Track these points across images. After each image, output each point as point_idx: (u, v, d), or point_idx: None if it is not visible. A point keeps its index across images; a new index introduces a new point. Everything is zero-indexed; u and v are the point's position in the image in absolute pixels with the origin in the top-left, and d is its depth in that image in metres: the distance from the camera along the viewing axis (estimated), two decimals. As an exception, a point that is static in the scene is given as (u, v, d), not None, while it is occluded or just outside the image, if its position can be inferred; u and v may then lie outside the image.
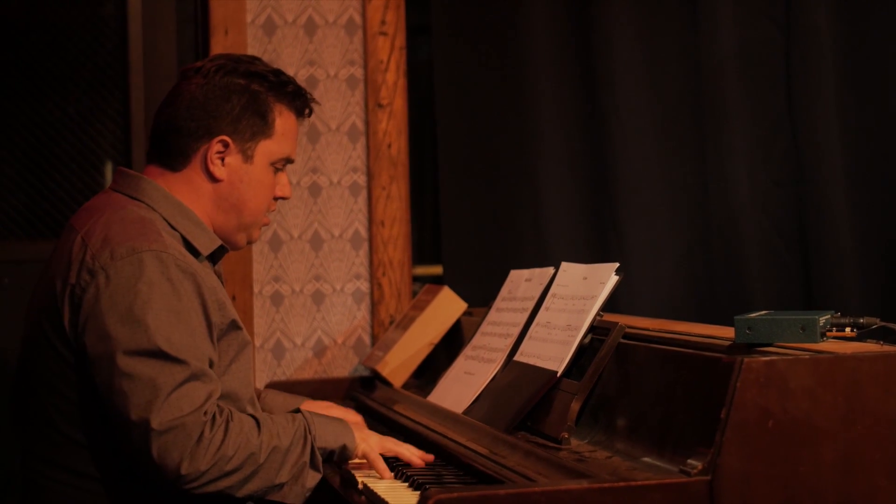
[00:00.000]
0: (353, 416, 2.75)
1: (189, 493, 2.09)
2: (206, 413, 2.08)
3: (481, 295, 3.44)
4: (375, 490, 2.28)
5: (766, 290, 3.69)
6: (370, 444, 2.39)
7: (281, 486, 2.19)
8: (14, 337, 2.40)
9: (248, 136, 2.36)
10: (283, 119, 2.40)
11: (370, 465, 2.38)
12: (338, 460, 2.37)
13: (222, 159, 2.36)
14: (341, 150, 3.66)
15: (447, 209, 3.76)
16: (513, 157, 3.74)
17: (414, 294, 3.67)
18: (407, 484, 2.35)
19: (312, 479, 2.24)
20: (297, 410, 2.32)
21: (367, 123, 3.67)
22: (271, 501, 2.37)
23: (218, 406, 2.13)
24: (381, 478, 2.37)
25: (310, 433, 2.25)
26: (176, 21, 3.67)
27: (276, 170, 2.43)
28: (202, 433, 2.07)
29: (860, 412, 1.92)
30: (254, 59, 2.41)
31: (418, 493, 2.26)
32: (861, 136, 3.75)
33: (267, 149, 2.39)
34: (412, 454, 2.42)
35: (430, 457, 2.45)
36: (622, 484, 1.85)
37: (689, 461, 1.90)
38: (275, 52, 3.59)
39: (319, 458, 2.26)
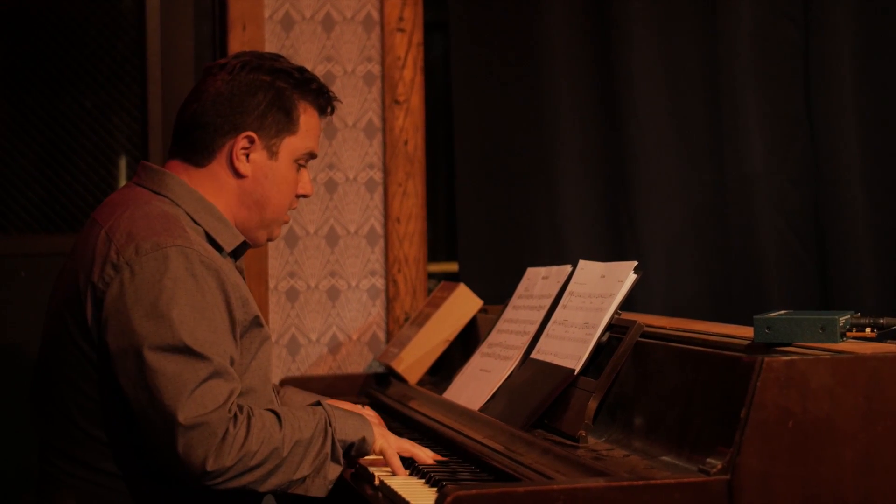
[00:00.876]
0: (370, 415, 2.75)
1: (212, 490, 2.09)
2: (229, 410, 2.09)
3: (497, 292, 3.44)
4: (391, 486, 2.28)
5: (783, 290, 3.69)
6: (388, 440, 2.39)
7: (303, 479, 2.19)
8: (32, 329, 2.41)
9: (274, 133, 2.37)
10: (307, 116, 2.41)
11: (385, 462, 2.38)
12: (355, 454, 2.37)
13: (247, 155, 2.36)
14: (358, 147, 3.66)
15: (463, 206, 3.76)
16: (529, 154, 3.74)
17: (429, 291, 3.67)
18: (423, 480, 2.34)
19: (334, 471, 2.24)
20: (318, 403, 2.31)
21: (383, 120, 3.67)
22: (296, 497, 2.38)
23: (238, 404, 2.13)
24: (396, 474, 2.37)
25: (330, 426, 2.24)
26: (193, 16, 3.67)
27: (300, 166, 2.43)
28: (227, 430, 2.07)
29: (881, 412, 1.91)
30: (278, 57, 2.42)
31: (434, 489, 2.26)
32: (879, 135, 3.74)
33: (291, 145, 2.39)
34: (427, 457, 2.41)
35: (446, 460, 2.45)
36: (641, 482, 1.85)
37: (709, 460, 1.89)
38: (292, 47, 3.59)
39: (340, 451, 2.26)
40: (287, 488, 2.18)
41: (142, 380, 2.08)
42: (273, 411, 2.19)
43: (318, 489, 2.21)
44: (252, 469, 2.10)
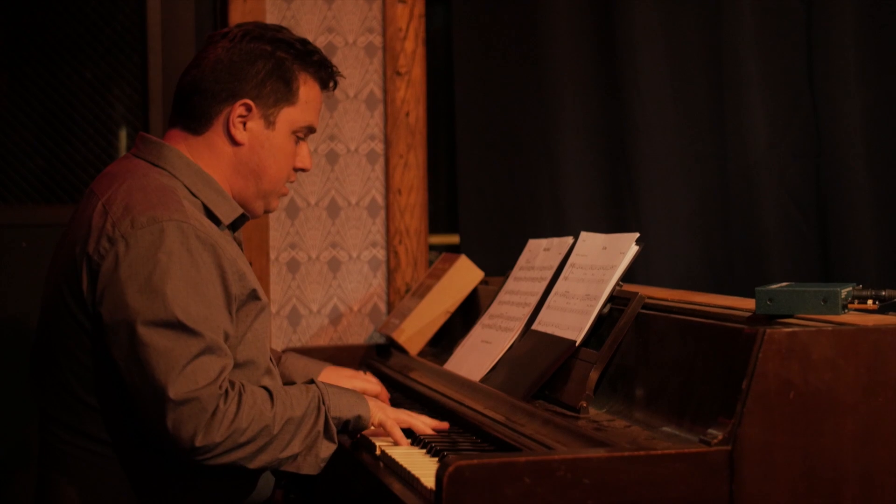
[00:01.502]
0: (372, 384, 2.75)
1: (201, 465, 2.09)
2: (220, 386, 2.08)
3: (498, 264, 3.44)
4: (393, 456, 2.29)
5: (784, 262, 3.69)
6: (387, 413, 2.39)
7: (294, 456, 2.18)
8: (33, 300, 2.41)
9: (272, 102, 2.36)
10: (307, 88, 2.40)
11: (387, 433, 2.39)
12: (352, 430, 2.37)
13: (244, 123, 2.35)
14: (359, 118, 3.65)
15: (464, 178, 3.75)
16: (531, 127, 3.73)
17: (430, 263, 3.67)
18: (424, 451, 2.35)
19: (327, 449, 2.24)
20: (311, 381, 2.31)
21: (385, 91, 3.66)
22: (289, 473, 2.39)
23: (230, 380, 2.13)
24: (399, 445, 2.38)
25: (323, 403, 2.24)
26: (194, -14, 3.66)
27: (298, 139, 2.42)
28: (217, 406, 2.06)
29: (882, 384, 1.91)
30: (281, 28, 2.41)
31: (436, 459, 2.27)
32: (882, 108, 3.73)
33: (289, 116, 2.38)
34: (426, 426, 2.42)
35: (445, 424, 2.45)
36: (642, 453, 1.85)
37: (710, 431, 1.90)
38: (293, 18, 3.58)
39: (334, 429, 2.26)
40: (278, 465, 2.18)
41: (134, 354, 2.08)
42: (266, 388, 2.19)
43: (310, 467, 2.21)
44: (242, 445, 2.10)
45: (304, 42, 2.41)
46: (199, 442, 2.05)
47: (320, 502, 2.93)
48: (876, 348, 1.92)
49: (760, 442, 1.87)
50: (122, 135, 3.73)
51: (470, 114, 3.75)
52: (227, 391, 2.09)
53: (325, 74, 2.44)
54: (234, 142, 2.36)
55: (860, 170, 3.68)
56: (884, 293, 2.13)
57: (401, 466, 2.21)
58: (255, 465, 2.14)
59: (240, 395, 2.11)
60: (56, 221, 2.70)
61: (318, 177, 3.63)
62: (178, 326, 2.08)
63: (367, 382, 2.75)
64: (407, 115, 3.66)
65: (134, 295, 2.10)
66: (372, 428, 2.39)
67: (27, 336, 2.38)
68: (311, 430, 2.20)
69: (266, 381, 2.27)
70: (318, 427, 2.22)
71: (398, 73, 3.65)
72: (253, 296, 2.28)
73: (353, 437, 2.41)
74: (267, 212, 2.48)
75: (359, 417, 2.34)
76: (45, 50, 3.67)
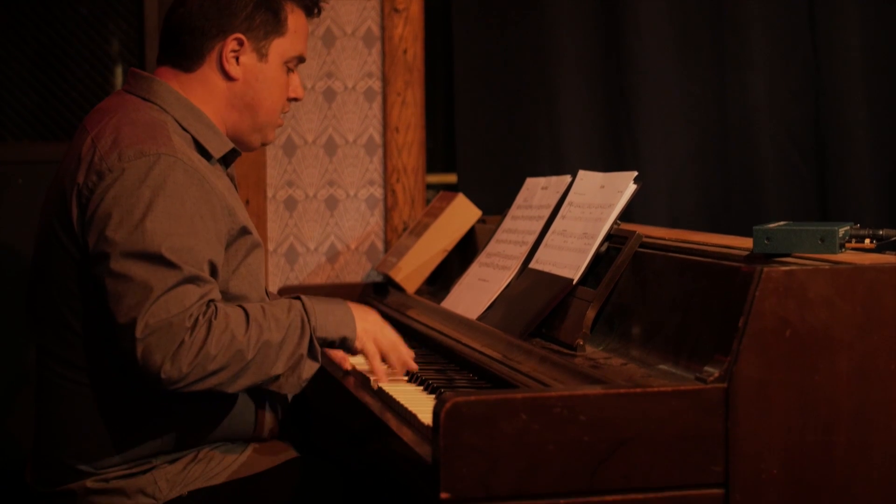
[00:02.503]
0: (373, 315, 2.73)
1: (177, 393, 2.09)
2: (191, 316, 2.07)
3: (496, 203, 3.44)
4: (390, 393, 2.30)
5: (781, 201, 3.69)
6: (375, 338, 2.37)
7: (277, 377, 2.18)
8: (29, 236, 2.41)
9: (262, 35, 2.34)
10: (294, 17, 2.39)
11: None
12: (340, 347, 2.36)
13: (237, 58, 2.34)
14: (356, 55, 3.63)
15: (462, 116, 3.74)
16: (529, 65, 3.71)
17: (428, 202, 3.66)
18: (422, 388, 2.36)
19: (309, 369, 2.23)
20: (297, 297, 2.29)
21: (382, 28, 3.63)
22: (284, 406, 2.39)
23: (207, 305, 2.11)
24: (376, 374, 2.38)
25: (308, 323, 2.23)
26: (190, -80, 3.61)
27: (289, 69, 2.41)
28: (184, 336, 2.06)
29: (878, 322, 1.92)
30: None
31: (433, 396, 2.28)
32: (882, 47, 3.72)
33: (280, 47, 2.37)
34: (398, 362, 2.41)
35: (414, 366, 2.44)
36: (638, 390, 1.86)
37: (706, 368, 1.90)
38: (290, -47, 3.54)
39: (318, 350, 2.24)
40: (261, 386, 2.18)
41: (112, 284, 2.08)
42: (243, 308, 2.16)
43: (292, 387, 2.21)
44: (214, 373, 2.09)
45: None
46: (165, 372, 2.04)
47: (316, 439, 2.95)
48: (872, 287, 1.92)
49: (756, 379, 1.87)
50: (118, 71, 3.71)
51: (468, 51, 3.73)
52: (196, 319, 2.08)
53: (310, 1, 2.43)
54: (229, 77, 2.34)
55: (859, 109, 3.67)
56: (881, 232, 2.13)
57: (398, 403, 2.22)
58: (235, 388, 2.13)
59: (210, 321, 2.08)
60: (52, 158, 2.69)
61: (316, 114, 3.61)
62: (155, 258, 2.08)
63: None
64: (405, 52, 3.64)
65: (117, 226, 2.10)
66: (359, 346, 2.35)
67: (24, 272, 2.38)
68: (294, 351, 2.19)
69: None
70: (301, 349, 2.20)
71: (396, 10, 3.63)
72: (243, 231, 2.27)
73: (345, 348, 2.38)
74: (264, 144, 2.47)
75: (344, 339, 2.32)
76: (40, -15, 3.64)
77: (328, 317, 2.28)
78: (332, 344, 2.31)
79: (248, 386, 2.16)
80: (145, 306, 2.05)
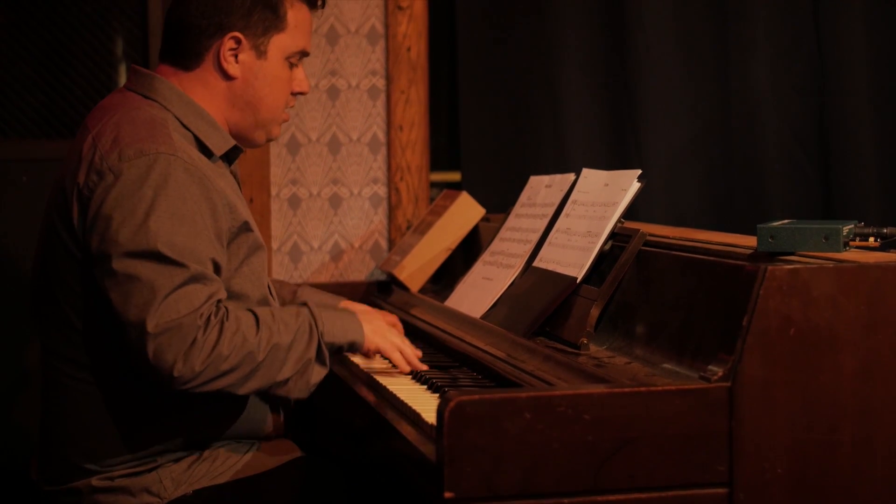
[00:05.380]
0: (386, 315, 2.74)
1: (188, 393, 2.09)
2: (202, 315, 2.08)
3: (499, 201, 3.44)
4: (394, 391, 2.30)
5: (785, 199, 3.69)
6: (385, 337, 2.39)
7: (285, 381, 2.18)
8: (33, 234, 2.41)
9: (261, 31, 2.33)
10: (294, 11, 2.37)
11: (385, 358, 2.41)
12: (347, 353, 2.37)
13: (235, 56, 2.33)
14: (360, 53, 3.63)
15: (466, 114, 3.74)
16: (533, 62, 3.71)
17: (431, 200, 3.66)
18: (426, 387, 2.36)
19: (318, 374, 2.23)
20: (304, 304, 2.30)
21: (386, 26, 3.63)
22: (287, 408, 2.39)
23: (217, 305, 2.12)
24: (401, 371, 2.40)
25: (316, 328, 2.24)
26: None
27: (292, 65, 2.40)
28: (196, 335, 2.06)
29: (882, 321, 1.92)
30: None
31: (437, 395, 2.28)
32: (887, 45, 3.71)
33: (281, 43, 2.36)
34: (402, 362, 2.43)
35: (421, 367, 2.46)
36: (643, 389, 1.86)
37: (710, 367, 1.90)
38: (294, -49, 3.54)
39: (327, 354, 2.25)
40: (269, 389, 2.19)
41: (117, 284, 2.08)
42: (253, 312, 2.18)
43: (300, 391, 2.21)
44: (225, 373, 2.10)
45: None
46: (177, 371, 2.05)
47: (321, 439, 2.95)
48: (877, 286, 1.92)
49: (760, 378, 1.87)
50: (122, 69, 3.72)
51: (472, 49, 3.72)
52: (209, 318, 2.09)
53: None
54: (227, 76, 2.34)
55: (863, 107, 3.67)
56: (885, 230, 2.13)
57: (402, 402, 2.22)
58: (244, 390, 2.14)
59: (222, 322, 2.10)
60: (56, 156, 2.69)
61: (319, 112, 3.61)
62: (160, 258, 2.08)
63: (381, 315, 2.73)
64: (408, 50, 3.64)
65: (120, 226, 2.10)
66: (366, 350, 2.39)
67: (28, 270, 2.38)
68: (302, 355, 2.20)
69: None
70: (309, 353, 2.21)
71: (400, 8, 3.62)
72: (245, 228, 2.27)
73: (349, 357, 2.40)
74: (269, 140, 2.47)
75: (353, 343, 2.33)
76: (44, -17, 3.64)
77: (335, 322, 2.30)
78: (340, 349, 2.32)
79: (258, 389, 2.16)
80: (154, 306, 2.05)
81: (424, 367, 2.46)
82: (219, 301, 2.12)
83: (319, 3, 2.44)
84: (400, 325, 2.75)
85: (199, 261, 2.12)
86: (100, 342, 2.21)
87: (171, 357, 2.05)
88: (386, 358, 2.45)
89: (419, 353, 2.47)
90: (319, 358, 2.23)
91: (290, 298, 2.74)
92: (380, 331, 2.40)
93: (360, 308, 2.68)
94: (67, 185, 2.21)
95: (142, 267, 2.08)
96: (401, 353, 2.43)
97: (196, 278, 2.10)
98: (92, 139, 2.21)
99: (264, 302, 2.33)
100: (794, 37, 3.71)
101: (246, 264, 2.29)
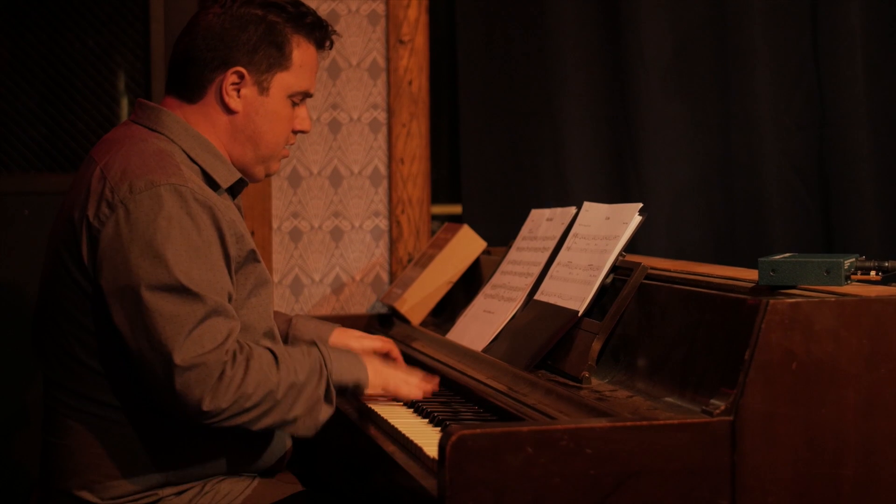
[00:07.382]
0: (383, 342, 2.74)
1: (208, 428, 2.10)
2: (227, 352, 2.08)
3: (500, 234, 3.44)
4: (396, 425, 2.29)
5: (786, 233, 3.69)
6: (386, 377, 2.42)
7: (295, 419, 2.20)
8: (36, 268, 2.41)
9: (264, 68, 2.34)
10: (300, 51, 2.38)
11: (394, 396, 2.43)
12: (350, 394, 2.39)
13: (238, 91, 2.34)
14: (362, 87, 3.64)
15: (467, 147, 3.75)
16: (534, 96, 3.72)
17: (433, 233, 3.67)
18: (427, 420, 2.36)
19: (325, 413, 2.25)
20: (314, 344, 2.31)
21: (388, 60, 3.65)
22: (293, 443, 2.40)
23: (238, 342, 2.13)
24: (410, 398, 2.44)
25: (325, 368, 2.25)
26: (197, -47, 3.64)
27: (294, 103, 2.41)
28: (224, 371, 2.07)
29: (884, 355, 1.91)
30: None
31: (438, 428, 2.27)
32: (886, 80, 3.72)
33: (284, 81, 2.37)
34: (413, 390, 2.46)
35: (433, 387, 2.48)
36: (645, 423, 1.85)
37: (712, 401, 1.90)
38: (296, -14, 3.56)
39: (334, 393, 2.27)
40: (278, 427, 2.20)
41: (139, 320, 2.08)
42: (271, 351, 2.20)
43: (307, 429, 2.22)
44: (247, 410, 2.11)
45: (297, 4, 2.38)
46: (206, 406, 2.06)
47: (322, 470, 2.94)
48: (878, 319, 1.92)
49: (762, 412, 1.87)
50: (125, 103, 3.73)
51: (473, 83, 3.74)
52: (234, 355, 2.10)
53: (320, 35, 2.42)
54: (229, 110, 2.35)
55: (863, 141, 3.67)
56: (886, 264, 2.13)
57: (403, 436, 2.22)
58: (258, 426, 2.16)
59: (248, 360, 2.12)
60: (58, 190, 2.70)
61: (321, 146, 3.62)
62: (182, 290, 2.08)
63: (377, 341, 2.74)
64: (410, 83, 3.65)
65: (136, 260, 2.10)
66: (370, 391, 2.41)
67: (30, 303, 2.38)
68: (312, 394, 2.21)
69: (267, 344, 2.27)
70: (318, 392, 2.23)
71: (401, 42, 3.64)
72: (252, 258, 2.28)
73: (355, 399, 2.43)
74: (268, 175, 2.48)
75: (358, 383, 2.36)
76: (48, 17, 3.65)
77: (342, 361, 2.32)
78: (345, 388, 2.33)
79: (271, 426, 2.18)
80: (179, 341, 2.05)
81: (436, 389, 2.49)
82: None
83: (327, 44, 2.45)
84: (396, 349, 2.75)
85: (217, 292, 2.13)
86: (107, 375, 2.21)
87: (198, 392, 2.05)
88: (396, 399, 2.47)
89: (426, 375, 2.49)
90: (327, 397, 2.25)
91: (284, 328, 2.75)
92: (381, 371, 2.42)
93: (355, 335, 2.73)
94: (75, 217, 2.21)
95: (163, 301, 2.08)
96: (406, 383, 2.45)
97: (216, 311, 2.10)
98: (100, 171, 2.21)
99: (270, 334, 2.34)
100: (794, 71, 3.72)
101: (254, 295, 2.30)
